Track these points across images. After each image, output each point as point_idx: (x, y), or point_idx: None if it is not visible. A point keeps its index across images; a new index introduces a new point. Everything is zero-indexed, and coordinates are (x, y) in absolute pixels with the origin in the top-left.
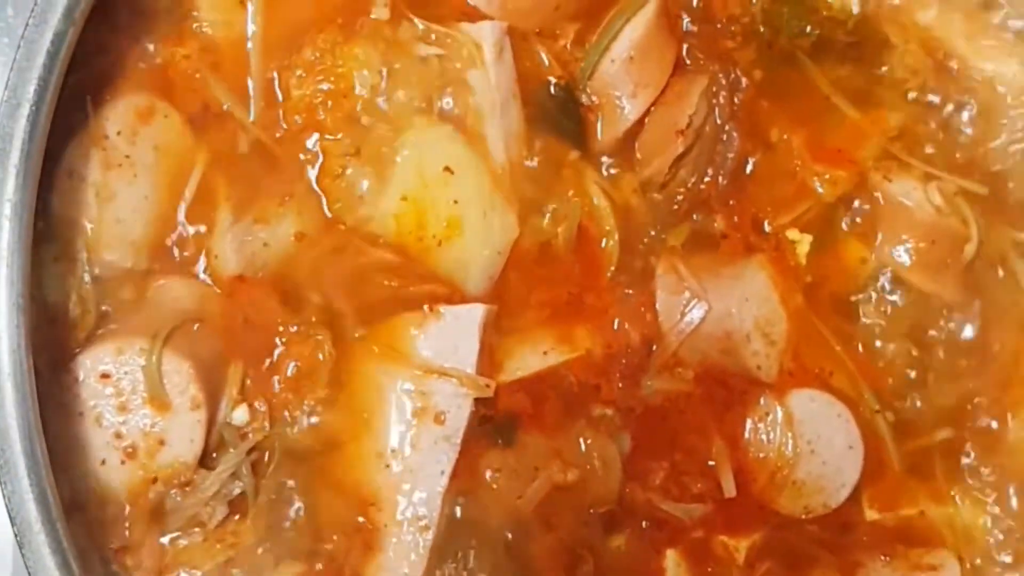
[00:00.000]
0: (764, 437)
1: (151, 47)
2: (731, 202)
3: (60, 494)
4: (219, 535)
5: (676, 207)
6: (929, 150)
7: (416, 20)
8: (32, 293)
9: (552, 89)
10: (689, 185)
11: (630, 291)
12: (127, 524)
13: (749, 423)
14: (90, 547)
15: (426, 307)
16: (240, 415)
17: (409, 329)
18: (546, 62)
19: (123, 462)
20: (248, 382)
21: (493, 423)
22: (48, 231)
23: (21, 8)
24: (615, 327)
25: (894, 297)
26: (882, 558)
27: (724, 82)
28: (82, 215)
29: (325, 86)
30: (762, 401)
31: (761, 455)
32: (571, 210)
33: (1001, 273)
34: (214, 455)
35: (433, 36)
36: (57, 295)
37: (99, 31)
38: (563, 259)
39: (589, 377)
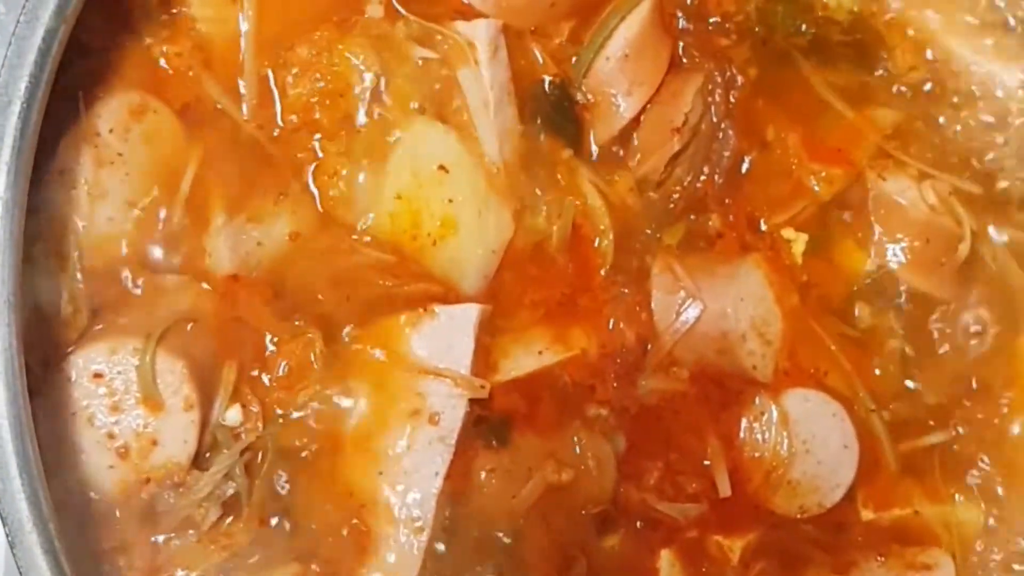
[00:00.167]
0: (759, 437)
1: (144, 44)
2: (727, 201)
3: (52, 494)
4: (213, 536)
5: (672, 206)
6: (923, 149)
7: (411, 18)
8: (23, 292)
9: (547, 87)
10: (685, 184)
11: (625, 290)
12: (119, 525)
13: (744, 423)
14: (82, 548)
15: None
16: (233, 415)
17: (404, 329)
18: (541, 60)
19: (116, 462)
20: (242, 382)
21: (488, 423)
22: (40, 229)
23: (12, 5)
24: (610, 327)
25: (889, 296)
26: (877, 558)
27: (720, 80)
28: (74, 213)
29: (321, 84)
30: (757, 401)
31: (756, 455)
32: (566, 209)
33: (991, 271)
34: (207, 456)
35: (428, 34)
36: (49, 294)
37: (91, 28)
38: (558, 258)
39: (584, 377)
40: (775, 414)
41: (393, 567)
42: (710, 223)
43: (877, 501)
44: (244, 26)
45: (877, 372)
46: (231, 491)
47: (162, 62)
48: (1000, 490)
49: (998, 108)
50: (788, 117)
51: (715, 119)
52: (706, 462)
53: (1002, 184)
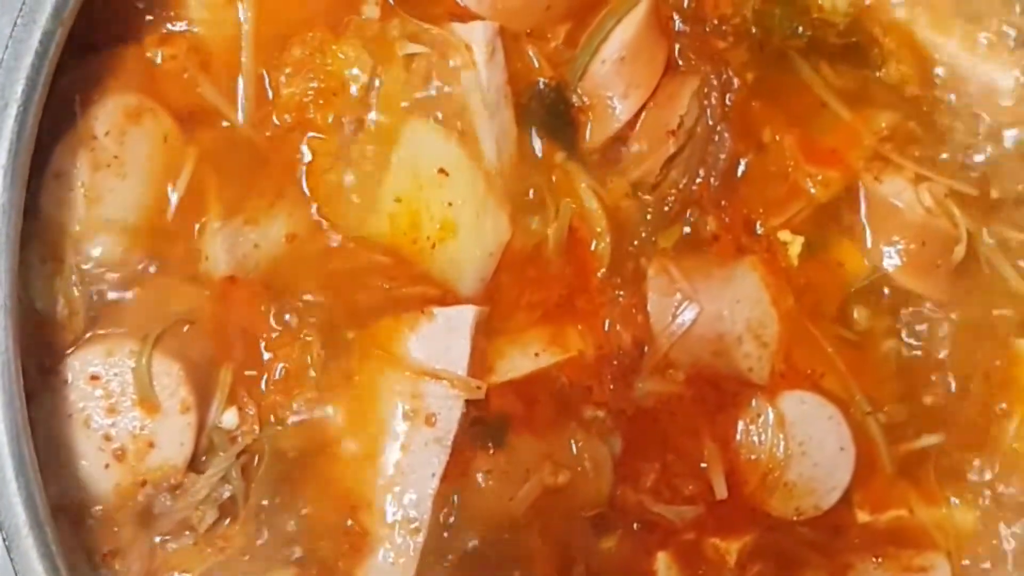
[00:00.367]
0: (755, 439)
1: (140, 47)
2: (723, 203)
3: (48, 497)
4: (209, 539)
5: (667, 208)
6: (919, 151)
7: (407, 19)
8: (20, 294)
9: (543, 90)
10: (680, 186)
11: (621, 293)
12: (116, 527)
13: (740, 425)
14: (79, 551)
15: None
16: (230, 418)
17: (401, 331)
18: (537, 63)
19: (112, 464)
20: (238, 385)
21: (484, 425)
22: (36, 232)
23: (9, 7)
24: (606, 329)
25: (885, 298)
26: (873, 560)
27: (716, 83)
28: (70, 216)
29: (315, 85)
30: (753, 403)
31: (752, 457)
32: (562, 211)
33: (989, 274)
34: (203, 459)
35: (424, 36)
36: (45, 296)
37: (87, 31)
38: (554, 261)
39: (580, 379)
40: (771, 416)
41: (389, 568)
42: (706, 226)
43: (873, 503)
44: (243, 27)
45: (873, 374)
46: (227, 494)
47: (159, 64)
48: (998, 492)
49: (994, 110)
50: (784, 119)
51: (711, 122)
52: (703, 464)
53: (998, 186)
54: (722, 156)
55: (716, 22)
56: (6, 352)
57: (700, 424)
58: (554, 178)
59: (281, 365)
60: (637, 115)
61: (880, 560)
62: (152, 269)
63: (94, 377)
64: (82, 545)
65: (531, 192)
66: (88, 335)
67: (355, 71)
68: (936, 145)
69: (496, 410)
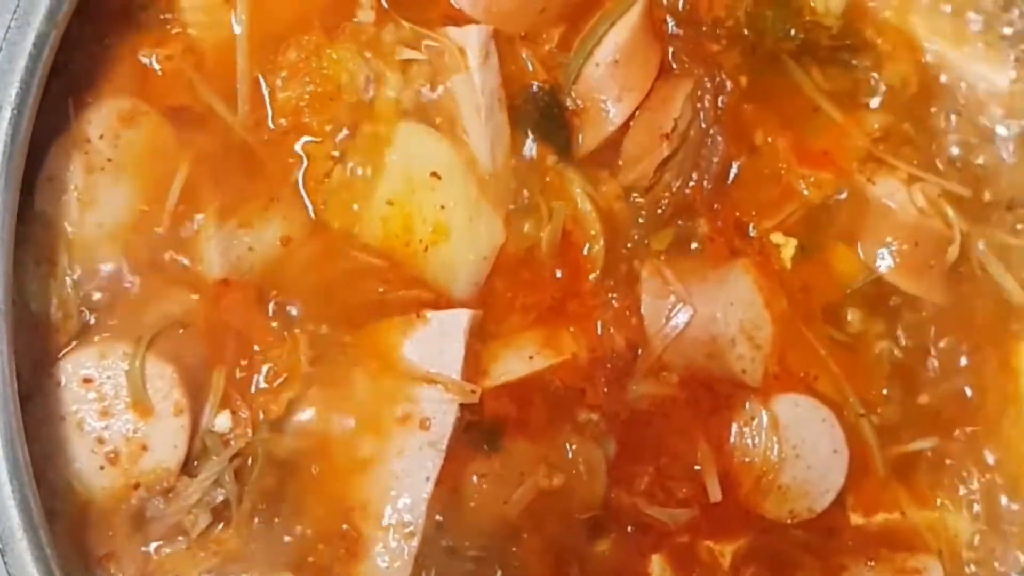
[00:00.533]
0: (749, 441)
1: (134, 49)
2: (716, 206)
3: (41, 500)
4: (203, 543)
5: (661, 211)
6: (912, 152)
7: (401, 23)
8: (13, 297)
9: (536, 93)
10: (674, 189)
11: (615, 295)
12: (109, 531)
13: (734, 427)
14: (72, 554)
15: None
16: (223, 421)
17: (395, 334)
18: (531, 66)
19: (106, 467)
20: (231, 388)
21: (479, 429)
22: (30, 234)
23: (2, 10)
24: (600, 331)
25: (879, 300)
26: (867, 562)
27: (709, 85)
28: (64, 219)
29: (311, 88)
30: (747, 405)
31: (746, 459)
32: (555, 214)
33: (981, 275)
34: (196, 463)
35: (418, 40)
36: (39, 299)
37: (81, 33)
38: (548, 264)
39: (574, 382)
40: (765, 419)
41: (384, 572)
42: (699, 228)
43: (866, 506)
44: (237, 29)
45: (866, 377)
46: (221, 498)
47: (153, 67)
48: (991, 495)
49: (986, 111)
50: (777, 122)
51: (704, 125)
52: (696, 467)
53: (990, 188)
54: (715, 159)
55: (709, 25)
56: (0, 355)
57: (694, 427)
58: (547, 181)
59: (275, 368)
60: (630, 118)
61: (873, 562)
62: (146, 272)
63: (87, 380)
64: (76, 549)
65: (524, 195)
66: (82, 337)
67: (350, 75)
68: (929, 146)
69: (490, 413)
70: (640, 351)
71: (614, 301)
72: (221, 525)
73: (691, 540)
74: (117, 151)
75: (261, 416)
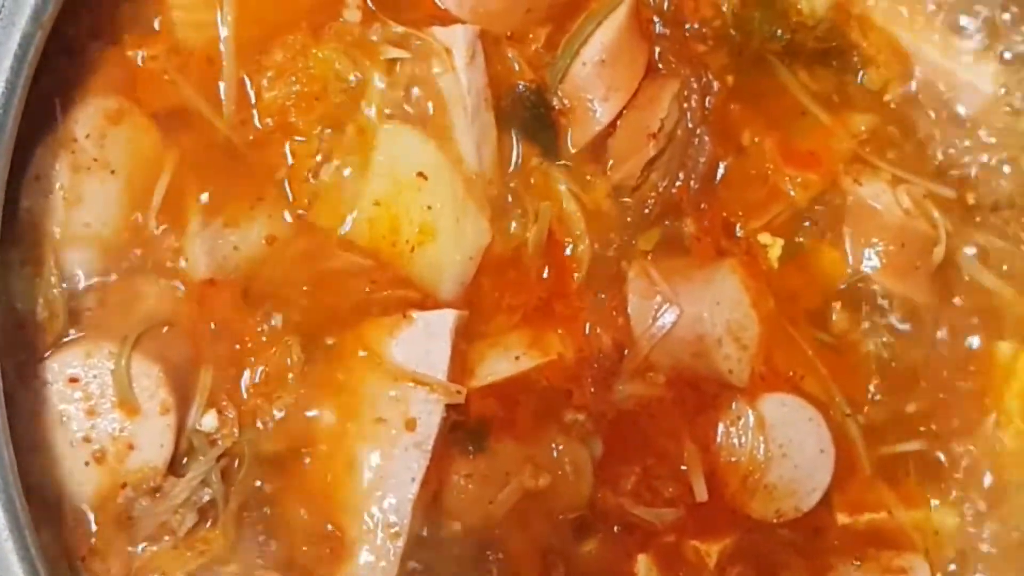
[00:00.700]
0: (736, 441)
1: (121, 49)
2: (702, 206)
3: (27, 500)
4: (189, 543)
5: (647, 211)
6: (898, 154)
7: (387, 22)
8: None
9: (523, 93)
10: (660, 189)
11: (601, 295)
12: (95, 530)
13: (721, 427)
14: (58, 554)
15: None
16: (209, 421)
17: (381, 334)
18: (517, 66)
19: (92, 466)
20: (218, 387)
21: (465, 429)
22: (16, 234)
23: None
24: (586, 331)
25: (865, 301)
26: (853, 562)
27: (696, 86)
28: (50, 219)
29: (297, 88)
30: (734, 405)
31: (733, 459)
32: (542, 214)
33: (967, 278)
34: (183, 462)
35: (404, 40)
36: (25, 299)
37: (67, 33)
38: (534, 264)
39: (561, 382)
40: (751, 419)
41: (370, 573)
42: (686, 228)
43: (852, 505)
44: (223, 30)
45: (853, 376)
46: (207, 497)
47: (139, 66)
48: (978, 494)
49: (972, 114)
50: (764, 122)
51: (691, 125)
52: (683, 467)
53: (974, 190)
54: (702, 159)
55: (696, 25)
56: None
57: (680, 427)
58: (533, 181)
59: (261, 368)
60: (617, 118)
61: (860, 562)
62: (132, 271)
63: (73, 379)
64: (62, 548)
65: (510, 195)
66: (67, 337)
67: (336, 75)
68: (915, 148)
69: (476, 414)
70: (627, 351)
71: (600, 301)
72: (208, 524)
73: (677, 540)
74: (103, 151)
75: (250, 418)
